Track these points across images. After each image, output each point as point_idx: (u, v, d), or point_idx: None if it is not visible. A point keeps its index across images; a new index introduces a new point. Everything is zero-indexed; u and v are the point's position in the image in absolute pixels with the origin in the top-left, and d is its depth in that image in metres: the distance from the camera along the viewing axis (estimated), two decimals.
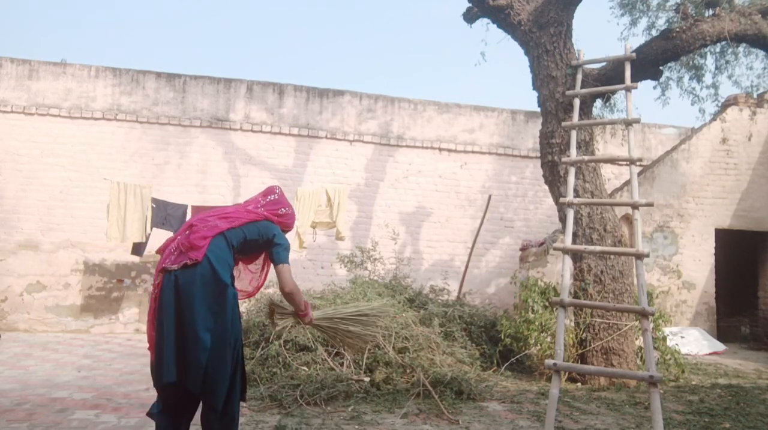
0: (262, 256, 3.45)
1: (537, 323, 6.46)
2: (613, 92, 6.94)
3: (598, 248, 5.75)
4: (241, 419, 4.31)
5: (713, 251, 10.55)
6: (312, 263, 10.40)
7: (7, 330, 9.06)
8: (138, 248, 8.94)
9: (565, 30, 6.42)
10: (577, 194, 6.19)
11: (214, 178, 10.27)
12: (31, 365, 6.39)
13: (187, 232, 3.11)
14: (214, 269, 2.95)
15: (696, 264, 10.45)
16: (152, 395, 4.86)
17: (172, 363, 2.86)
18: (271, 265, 3.35)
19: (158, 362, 2.91)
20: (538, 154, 7.04)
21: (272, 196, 3.48)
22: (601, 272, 6.37)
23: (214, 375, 2.90)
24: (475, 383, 5.40)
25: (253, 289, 3.53)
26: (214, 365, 2.90)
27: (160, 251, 3.16)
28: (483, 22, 7.42)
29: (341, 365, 5.51)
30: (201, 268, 2.93)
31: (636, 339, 6.39)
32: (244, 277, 3.48)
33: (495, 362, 6.60)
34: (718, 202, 10.65)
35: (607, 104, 7.69)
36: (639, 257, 4.51)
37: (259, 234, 3.22)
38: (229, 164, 10.37)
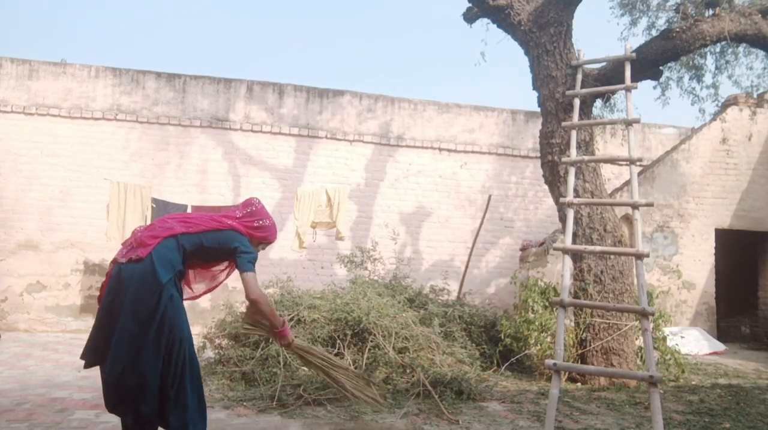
0: (225, 263, 3.44)
1: (537, 323, 6.45)
2: (613, 92, 6.94)
3: (598, 248, 5.75)
4: (242, 419, 4.31)
5: (713, 251, 10.55)
6: (312, 263, 10.40)
7: (7, 330, 9.06)
8: None
9: (565, 30, 6.42)
10: (577, 194, 6.19)
11: (214, 178, 10.27)
12: (31, 365, 6.38)
13: (146, 230, 3.19)
14: (154, 268, 2.99)
15: (696, 264, 10.45)
16: None
17: (91, 348, 3.05)
18: (232, 272, 3.40)
19: (87, 343, 3.07)
20: (538, 154, 7.04)
21: (250, 208, 3.47)
22: (601, 272, 6.37)
23: (135, 375, 2.91)
24: (475, 383, 5.40)
25: (202, 292, 3.53)
26: (142, 363, 2.91)
27: (122, 243, 3.23)
28: (483, 22, 7.41)
29: None
30: (142, 265, 3.00)
31: (636, 339, 6.39)
32: (200, 278, 3.51)
33: (495, 362, 6.60)
34: (718, 202, 10.65)
35: (607, 104, 7.69)
36: (639, 257, 4.51)
37: (219, 243, 3.22)
38: (229, 164, 10.37)
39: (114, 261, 3.11)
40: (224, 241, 3.24)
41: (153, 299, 2.96)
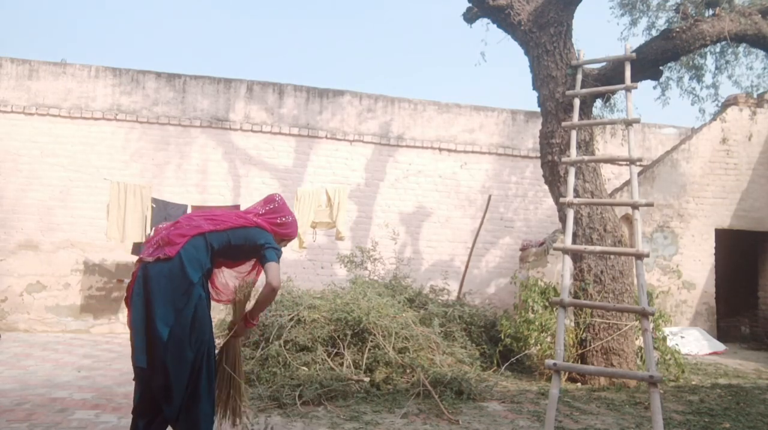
0: (251, 262, 3.40)
1: (537, 323, 6.46)
2: (613, 92, 6.94)
3: (598, 248, 5.75)
4: (243, 419, 4.31)
5: (713, 251, 10.55)
6: (312, 263, 10.40)
7: (7, 330, 9.06)
8: (138, 248, 8.93)
9: (565, 30, 6.42)
10: (577, 194, 6.19)
11: (214, 178, 10.27)
12: (31, 365, 6.38)
13: (172, 227, 3.12)
14: (183, 267, 2.95)
15: (696, 264, 10.45)
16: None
17: (141, 349, 2.91)
18: (260, 273, 3.33)
19: (133, 346, 2.95)
20: (538, 154, 7.04)
21: (272, 204, 3.41)
22: (601, 272, 6.37)
23: (170, 374, 2.89)
24: (475, 383, 5.40)
25: (228, 295, 3.46)
26: (171, 363, 2.88)
27: (146, 241, 3.17)
28: (483, 22, 7.42)
29: (341, 365, 5.51)
30: (171, 264, 2.95)
31: (636, 339, 6.39)
32: (229, 281, 3.46)
33: (495, 362, 6.60)
34: (718, 202, 10.65)
35: (607, 104, 7.69)
36: (639, 257, 4.51)
37: (246, 240, 3.19)
38: (229, 164, 10.37)
39: (140, 260, 3.05)
40: (251, 238, 3.19)
41: (183, 299, 2.93)
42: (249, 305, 3.41)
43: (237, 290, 3.40)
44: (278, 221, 3.35)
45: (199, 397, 2.97)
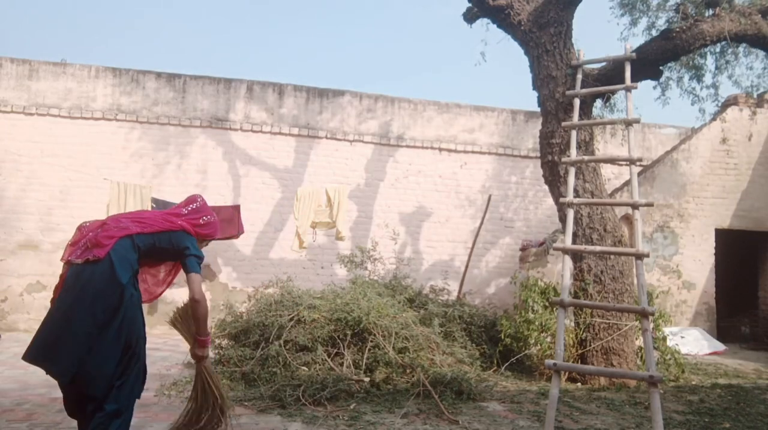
0: (172, 264, 3.50)
1: (537, 323, 6.46)
2: (613, 92, 6.93)
3: (598, 248, 5.76)
4: (242, 419, 4.31)
5: (713, 251, 10.55)
6: (312, 263, 10.40)
7: (7, 330, 9.06)
8: None
9: (565, 30, 6.42)
10: (577, 194, 6.18)
11: (214, 178, 10.27)
12: (31, 365, 6.37)
13: (99, 229, 3.14)
14: (114, 269, 2.99)
15: (696, 264, 10.45)
16: (152, 394, 4.86)
17: (39, 345, 2.97)
18: (178, 273, 3.47)
19: (33, 341, 2.99)
20: (538, 154, 7.04)
21: (193, 205, 3.49)
22: (601, 272, 6.37)
23: (94, 369, 2.93)
24: (475, 383, 5.40)
25: (153, 295, 3.55)
26: (97, 360, 2.92)
27: (70, 243, 3.17)
28: (483, 22, 7.41)
29: (341, 365, 5.50)
30: (101, 265, 2.99)
31: (636, 339, 6.38)
32: (148, 280, 3.53)
33: (495, 362, 6.60)
34: (718, 202, 10.65)
35: (607, 104, 7.68)
36: (639, 257, 4.51)
37: (171, 243, 3.27)
38: (229, 164, 10.37)
39: (68, 262, 3.06)
40: (176, 241, 3.28)
41: (114, 300, 2.97)
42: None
43: (172, 318, 3.62)
44: (200, 221, 3.43)
45: (123, 391, 3.02)
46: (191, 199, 3.53)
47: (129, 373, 3.04)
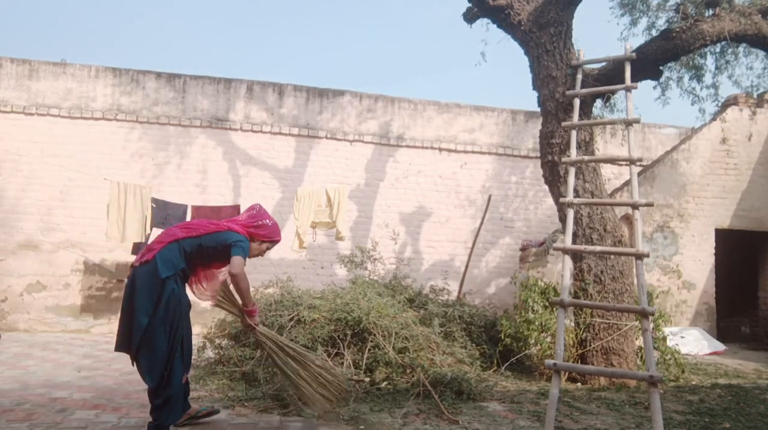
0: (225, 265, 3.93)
1: (537, 323, 6.45)
2: (613, 92, 6.93)
3: (598, 248, 5.75)
4: (242, 419, 4.32)
5: (713, 251, 10.55)
6: (312, 263, 10.40)
7: (7, 330, 9.06)
8: (138, 248, 8.92)
9: (565, 30, 6.41)
10: (577, 194, 6.18)
11: (214, 178, 10.27)
12: (31, 365, 6.38)
13: (155, 239, 3.83)
14: (157, 267, 3.64)
15: (696, 264, 10.45)
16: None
17: (119, 336, 3.75)
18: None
19: (117, 334, 3.80)
20: (538, 154, 7.03)
21: (251, 211, 4.04)
22: (601, 272, 6.37)
23: (149, 349, 3.61)
24: (475, 383, 5.39)
25: (213, 291, 4.11)
26: (149, 341, 3.60)
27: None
28: (483, 22, 7.40)
29: (341, 365, 5.50)
30: (149, 265, 3.68)
31: (636, 339, 6.38)
32: (205, 277, 4.07)
33: (495, 362, 6.59)
34: (718, 202, 10.65)
35: (607, 104, 7.68)
36: (639, 257, 4.51)
37: (217, 242, 3.78)
38: (229, 164, 10.37)
39: (132, 266, 3.80)
40: (221, 239, 3.78)
41: (159, 291, 3.61)
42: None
43: (216, 293, 4.06)
44: (255, 223, 3.93)
45: (173, 374, 3.67)
46: (251, 208, 4.08)
47: (174, 355, 3.66)
